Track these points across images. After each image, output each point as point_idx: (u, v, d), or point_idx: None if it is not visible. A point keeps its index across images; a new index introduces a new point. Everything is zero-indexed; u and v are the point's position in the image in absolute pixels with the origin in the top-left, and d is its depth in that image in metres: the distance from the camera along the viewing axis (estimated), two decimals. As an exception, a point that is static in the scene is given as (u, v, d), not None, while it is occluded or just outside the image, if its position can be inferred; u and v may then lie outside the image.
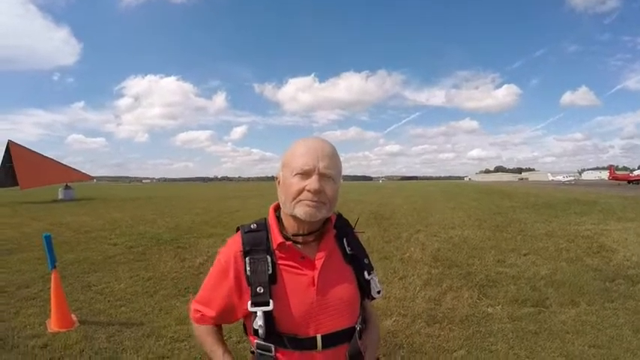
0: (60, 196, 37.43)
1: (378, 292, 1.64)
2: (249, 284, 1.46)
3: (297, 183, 1.44)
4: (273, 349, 1.47)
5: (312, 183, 1.42)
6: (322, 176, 1.43)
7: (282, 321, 1.46)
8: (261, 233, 1.55)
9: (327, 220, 1.59)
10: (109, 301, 6.38)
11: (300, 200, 1.44)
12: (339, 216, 1.67)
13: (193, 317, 1.66)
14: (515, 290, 6.76)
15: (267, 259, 1.49)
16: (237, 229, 1.61)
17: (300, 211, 1.44)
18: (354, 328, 1.56)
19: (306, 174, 1.43)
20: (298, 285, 1.49)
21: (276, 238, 1.53)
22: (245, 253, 1.50)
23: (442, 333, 5.13)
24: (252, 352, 1.53)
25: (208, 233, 13.67)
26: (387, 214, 20.02)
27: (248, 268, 1.48)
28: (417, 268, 8.37)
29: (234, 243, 1.56)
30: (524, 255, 9.55)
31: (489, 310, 5.93)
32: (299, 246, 1.54)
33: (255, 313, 1.43)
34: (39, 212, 22.45)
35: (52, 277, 5.40)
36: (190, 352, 4.57)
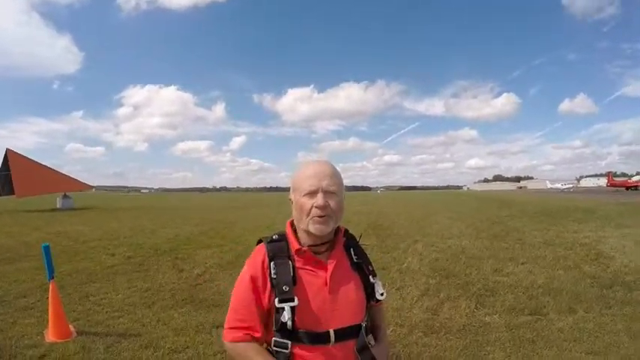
0: (58, 205, 37.40)
1: (382, 294, 1.86)
2: (274, 285, 1.69)
3: (306, 202, 1.72)
4: (289, 345, 1.67)
5: (318, 200, 1.69)
6: (326, 193, 1.71)
7: (302, 317, 1.67)
8: (282, 243, 1.79)
9: (338, 231, 1.86)
10: (107, 311, 6.39)
11: (312, 217, 1.71)
12: (346, 230, 1.93)
13: (235, 337, 1.72)
14: (512, 299, 6.79)
15: (289, 263, 1.72)
16: (259, 242, 1.86)
17: (312, 227, 1.71)
18: (360, 325, 1.77)
19: (312, 193, 1.71)
20: (314, 285, 1.73)
21: (294, 245, 1.78)
22: (270, 259, 1.73)
23: (439, 343, 5.14)
24: (269, 351, 1.73)
25: (206, 244, 13.68)
26: (385, 225, 20.06)
27: (273, 271, 1.70)
28: (414, 279, 8.39)
29: (258, 252, 1.79)
30: (522, 264, 9.57)
31: (487, 319, 5.95)
32: (315, 254, 1.78)
33: (283, 308, 1.64)
34: (37, 221, 22.47)
35: (50, 287, 5.42)
36: (188, 363, 4.58)
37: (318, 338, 1.68)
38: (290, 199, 1.83)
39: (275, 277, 1.69)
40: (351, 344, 1.73)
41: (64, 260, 10.30)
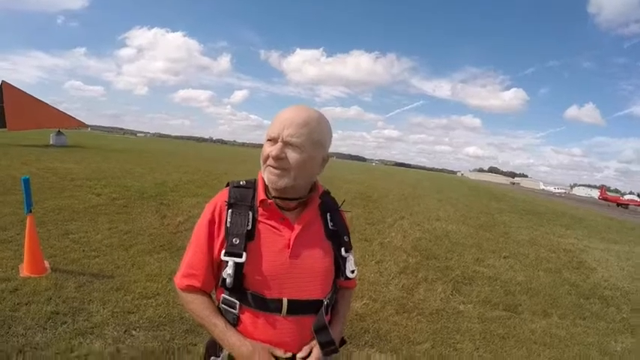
0: (51, 142, 37.01)
1: (352, 272, 1.68)
2: (227, 235, 1.54)
3: (266, 148, 1.54)
4: (237, 306, 1.54)
5: (274, 149, 1.50)
6: (286, 144, 1.50)
7: (251, 276, 1.52)
8: (248, 190, 1.63)
9: (313, 190, 1.67)
10: (83, 250, 6.34)
11: (267, 166, 1.54)
12: (326, 192, 1.75)
13: (181, 285, 1.63)
14: (489, 291, 6.80)
15: (248, 214, 1.57)
16: (227, 184, 1.68)
17: (266, 177, 1.55)
18: (321, 302, 1.60)
19: (273, 140, 1.53)
20: (274, 244, 1.56)
21: (261, 196, 1.60)
22: (229, 206, 1.58)
23: (410, 323, 5.14)
24: (218, 309, 1.61)
25: (193, 193, 13.61)
26: (374, 197, 20.03)
27: (229, 220, 1.55)
28: (395, 255, 8.39)
29: (220, 196, 1.64)
30: (504, 258, 9.58)
31: (461, 307, 5.95)
32: (283, 211, 1.61)
33: (227, 262, 1.50)
34: (28, 156, 22.13)
35: (28, 221, 5.35)
36: (156, 310, 4.56)
37: (268, 305, 1.53)
38: None
39: (229, 226, 1.54)
40: (306, 320, 1.56)
41: (49, 196, 10.18)
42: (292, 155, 1.50)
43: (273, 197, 1.60)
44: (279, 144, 1.50)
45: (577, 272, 9.30)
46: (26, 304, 4.38)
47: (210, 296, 1.65)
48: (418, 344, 4.63)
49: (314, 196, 1.67)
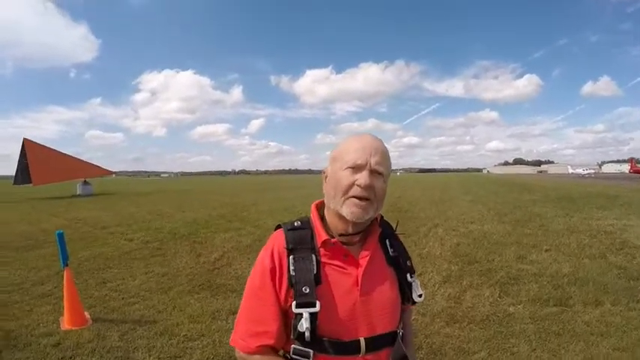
0: (78, 192, 37.87)
1: (420, 296, 1.56)
2: (292, 284, 1.38)
3: (347, 177, 1.39)
4: (311, 354, 1.38)
5: (363, 178, 1.37)
6: (373, 172, 1.39)
7: (326, 323, 1.38)
8: (305, 231, 1.48)
9: (373, 219, 1.52)
10: (122, 298, 6.35)
11: (349, 196, 1.39)
12: (382, 217, 1.61)
13: (250, 347, 1.44)
14: (537, 288, 6.56)
15: (312, 257, 1.42)
16: (277, 227, 1.54)
17: (347, 210, 1.39)
18: (396, 332, 1.49)
19: (357, 168, 1.39)
20: (342, 285, 1.43)
21: (321, 235, 1.47)
22: (289, 252, 1.42)
23: (462, 333, 4.97)
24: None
25: (225, 228, 13.61)
26: (404, 207, 19.83)
27: (292, 267, 1.40)
28: (436, 264, 8.20)
29: (275, 240, 1.49)
30: (546, 251, 9.30)
31: (511, 309, 5.74)
32: (346, 246, 1.47)
33: (300, 314, 1.35)
34: (57, 208, 22.63)
35: (65, 274, 5.38)
36: (203, 352, 4.49)
37: (346, 348, 1.39)
38: (324, 173, 1.53)
39: (294, 274, 1.38)
40: (383, 354, 1.44)
41: (82, 246, 10.35)
42: (378, 184, 1.41)
43: (340, 235, 1.47)
44: (367, 172, 1.38)
45: (622, 254, 8.98)
46: (70, 358, 4.37)
47: (278, 353, 1.49)
48: (474, 354, 4.47)
49: (374, 226, 1.55)
